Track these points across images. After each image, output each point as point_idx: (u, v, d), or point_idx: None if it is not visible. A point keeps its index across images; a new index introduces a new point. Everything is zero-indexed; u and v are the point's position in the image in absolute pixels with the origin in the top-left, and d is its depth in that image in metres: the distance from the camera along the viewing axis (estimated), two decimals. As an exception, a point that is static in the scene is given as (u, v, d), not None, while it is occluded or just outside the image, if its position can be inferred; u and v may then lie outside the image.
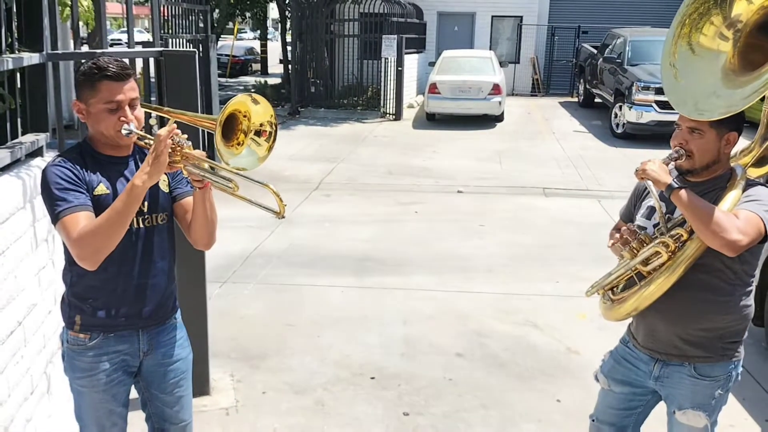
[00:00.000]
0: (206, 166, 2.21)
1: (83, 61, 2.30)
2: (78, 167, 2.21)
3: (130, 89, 2.21)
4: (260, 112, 2.20)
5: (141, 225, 2.31)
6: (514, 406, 3.97)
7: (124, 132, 2.19)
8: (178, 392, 2.52)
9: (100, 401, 2.36)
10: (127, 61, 3.41)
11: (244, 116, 2.17)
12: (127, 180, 2.27)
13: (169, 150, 2.12)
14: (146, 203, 2.29)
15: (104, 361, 2.34)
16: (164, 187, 2.38)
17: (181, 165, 2.19)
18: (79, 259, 2.16)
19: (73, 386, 2.40)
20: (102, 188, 2.24)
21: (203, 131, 2.55)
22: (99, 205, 2.20)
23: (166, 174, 2.30)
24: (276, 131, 2.24)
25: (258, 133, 2.21)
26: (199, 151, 2.20)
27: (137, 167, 2.32)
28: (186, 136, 2.17)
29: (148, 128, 2.35)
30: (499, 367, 4.43)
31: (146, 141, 2.26)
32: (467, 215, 7.96)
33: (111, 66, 2.17)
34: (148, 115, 2.38)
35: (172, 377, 2.49)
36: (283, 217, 2.23)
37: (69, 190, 2.16)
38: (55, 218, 2.15)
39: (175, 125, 2.14)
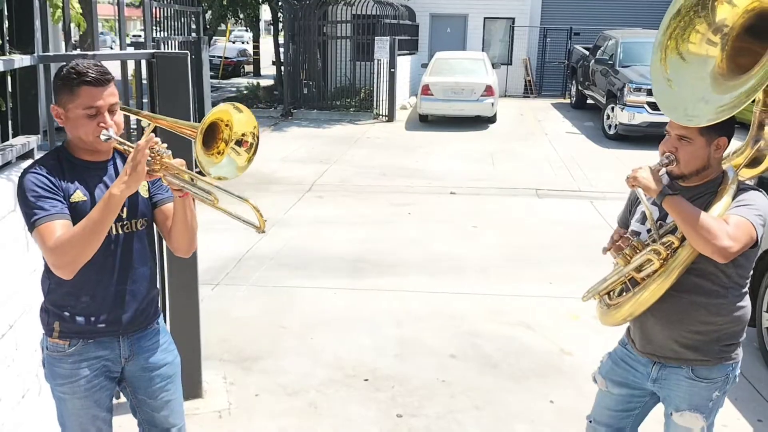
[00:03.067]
0: (186, 177, 2.18)
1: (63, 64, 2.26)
2: (55, 174, 2.18)
3: (110, 95, 2.18)
4: (243, 121, 2.17)
5: (120, 231, 2.28)
6: (507, 407, 3.97)
7: (103, 138, 2.16)
8: (165, 396, 2.49)
9: (82, 407, 2.34)
10: (118, 63, 3.40)
11: (226, 125, 2.15)
12: (106, 186, 2.25)
13: (149, 158, 2.09)
14: (125, 209, 2.26)
15: (84, 368, 2.31)
16: (144, 192, 2.35)
17: (161, 174, 2.16)
18: (55, 268, 2.14)
19: (55, 393, 2.37)
20: (79, 195, 2.21)
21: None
22: (76, 212, 2.17)
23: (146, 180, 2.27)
24: (257, 143, 2.21)
25: (239, 143, 2.18)
26: (179, 160, 2.17)
27: (116, 172, 2.29)
28: (165, 145, 2.13)
29: (140, 131, 2.33)
30: (492, 368, 4.43)
31: (126, 147, 2.23)
32: (460, 216, 7.97)
33: (90, 71, 2.13)
34: (138, 120, 2.36)
35: (158, 382, 2.46)
36: (264, 231, 2.21)
37: (45, 198, 2.13)
38: (31, 226, 2.12)
39: (152, 135, 2.12)
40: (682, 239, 2.34)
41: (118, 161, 2.33)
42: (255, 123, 2.21)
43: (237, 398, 3.99)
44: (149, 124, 2.33)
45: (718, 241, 2.21)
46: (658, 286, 2.38)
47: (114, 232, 2.25)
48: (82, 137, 2.20)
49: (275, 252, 6.56)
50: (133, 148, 2.14)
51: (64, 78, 2.15)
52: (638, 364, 2.59)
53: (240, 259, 6.31)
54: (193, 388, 3.86)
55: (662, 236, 2.42)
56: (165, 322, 3.68)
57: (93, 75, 2.13)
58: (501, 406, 3.99)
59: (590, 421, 2.79)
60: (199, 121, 2.10)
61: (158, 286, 2.54)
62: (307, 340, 4.78)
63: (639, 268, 2.44)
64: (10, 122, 3.18)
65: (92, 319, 2.29)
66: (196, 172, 2.25)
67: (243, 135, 2.18)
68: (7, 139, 3.14)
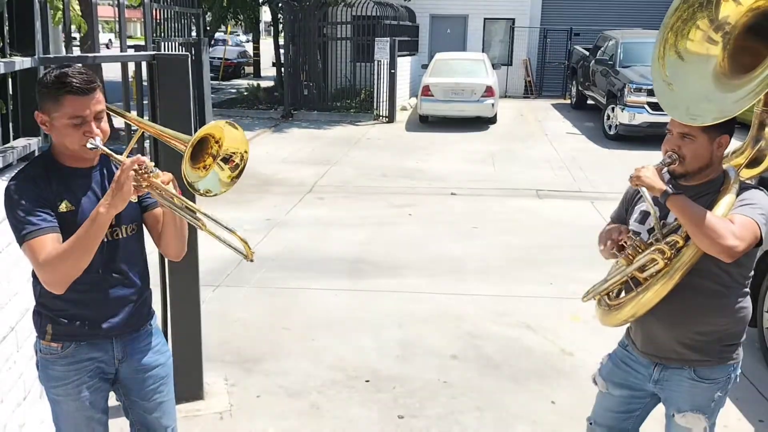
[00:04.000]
0: (177, 201, 2.18)
1: (48, 69, 2.22)
2: (41, 184, 2.16)
3: (96, 102, 2.13)
4: (237, 138, 2.16)
5: (110, 237, 2.26)
6: (509, 408, 3.97)
7: (89, 147, 2.13)
8: (158, 398, 2.48)
9: (77, 409, 2.33)
10: (122, 63, 3.40)
11: (216, 142, 2.13)
12: (94, 193, 2.24)
13: (135, 175, 2.07)
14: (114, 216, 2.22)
15: (78, 369, 2.30)
16: (133, 197, 2.30)
17: (147, 191, 2.15)
18: (46, 284, 2.13)
19: (50, 395, 2.37)
20: (66, 205, 2.18)
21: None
22: (64, 221, 2.16)
23: None
24: (243, 167, 2.20)
25: (225, 160, 2.17)
26: (167, 175, 2.16)
27: (103, 178, 2.28)
28: (153, 163, 2.12)
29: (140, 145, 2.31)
30: (494, 369, 4.43)
31: (113, 157, 2.21)
32: (461, 217, 7.97)
33: (75, 80, 2.08)
34: (142, 140, 2.34)
35: (150, 383, 2.46)
36: (252, 260, 2.23)
37: (34, 211, 2.10)
38: (21, 240, 2.10)
39: (138, 156, 2.11)
40: (687, 238, 2.33)
41: (105, 167, 2.31)
42: (246, 147, 2.19)
43: (238, 400, 3.99)
44: (138, 129, 2.33)
45: (724, 240, 2.20)
46: (662, 286, 2.36)
47: (104, 238, 2.22)
48: (68, 146, 2.16)
49: (276, 253, 6.56)
50: (120, 160, 2.12)
51: (48, 86, 2.10)
52: (639, 366, 2.58)
53: (241, 261, 6.28)
54: (194, 390, 3.86)
55: (666, 236, 2.40)
56: (166, 323, 3.72)
57: (78, 84, 2.08)
58: (502, 407, 3.98)
59: (590, 423, 2.78)
60: (198, 127, 2.10)
61: (157, 287, 2.54)
62: (308, 341, 4.78)
63: (642, 268, 2.42)
64: (11, 124, 3.18)
65: (84, 322, 2.28)
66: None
67: (232, 154, 2.17)
68: (8, 141, 3.14)
